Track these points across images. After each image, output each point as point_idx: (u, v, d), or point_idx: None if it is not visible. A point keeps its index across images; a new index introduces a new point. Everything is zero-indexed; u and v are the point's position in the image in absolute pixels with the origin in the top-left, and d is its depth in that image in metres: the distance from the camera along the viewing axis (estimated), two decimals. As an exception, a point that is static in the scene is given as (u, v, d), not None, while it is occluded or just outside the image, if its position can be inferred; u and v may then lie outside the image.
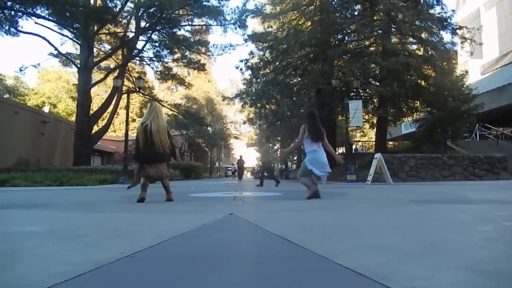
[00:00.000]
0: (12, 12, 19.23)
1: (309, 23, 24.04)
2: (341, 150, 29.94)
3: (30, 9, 19.10)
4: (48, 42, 22.66)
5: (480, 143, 23.69)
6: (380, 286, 1.22)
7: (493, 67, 31.55)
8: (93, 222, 3.19)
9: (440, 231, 2.55)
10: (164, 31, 23.74)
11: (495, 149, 20.55)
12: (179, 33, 24.50)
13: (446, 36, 24.91)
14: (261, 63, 23.57)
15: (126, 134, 17.57)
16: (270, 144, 13.02)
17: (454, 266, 1.47)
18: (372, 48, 21.56)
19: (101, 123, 27.01)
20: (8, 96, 36.37)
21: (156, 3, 19.62)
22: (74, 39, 22.33)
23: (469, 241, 2.10)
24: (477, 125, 23.66)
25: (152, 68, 26.84)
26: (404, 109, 21.16)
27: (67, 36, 21.97)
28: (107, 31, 24.23)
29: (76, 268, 1.45)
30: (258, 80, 23.42)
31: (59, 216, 3.76)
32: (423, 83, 20.21)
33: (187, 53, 25.88)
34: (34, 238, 2.35)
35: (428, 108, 19.79)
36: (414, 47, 21.79)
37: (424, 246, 1.90)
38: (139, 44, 24.03)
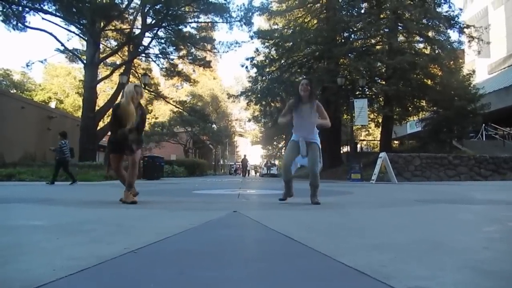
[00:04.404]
0: (20, 8, 19.36)
1: (315, 21, 23.95)
2: (345, 149, 29.85)
3: (37, 4, 19.19)
4: (55, 37, 22.59)
5: (486, 143, 23.47)
6: (382, 285, 1.22)
7: (501, 67, 31.21)
8: (97, 217, 3.21)
9: (443, 231, 2.54)
10: (170, 28, 23.76)
11: (502, 149, 20.35)
12: (185, 30, 24.53)
13: (453, 35, 24.88)
14: (267, 60, 23.55)
15: None
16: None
17: (457, 266, 1.46)
18: (378, 47, 21.41)
19: (107, 119, 27.11)
20: (15, 91, 36.60)
21: (163, -1, 19.68)
22: (81, 35, 22.41)
23: (472, 241, 2.09)
24: (484, 125, 23.45)
25: (158, 64, 26.92)
26: (409, 108, 21.03)
27: (73, 32, 22.05)
28: (113, 28, 24.29)
29: (80, 262, 1.46)
30: (264, 77, 23.39)
31: (64, 211, 3.79)
32: (429, 82, 20.05)
33: (192, 50, 25.90)
34: (39, 232, 2.38)
35: (434, 108, 19.64)
36: (421, 45, 21.61)
37: (428, 246, 1.90)
38: (145, 41, 24.10)
